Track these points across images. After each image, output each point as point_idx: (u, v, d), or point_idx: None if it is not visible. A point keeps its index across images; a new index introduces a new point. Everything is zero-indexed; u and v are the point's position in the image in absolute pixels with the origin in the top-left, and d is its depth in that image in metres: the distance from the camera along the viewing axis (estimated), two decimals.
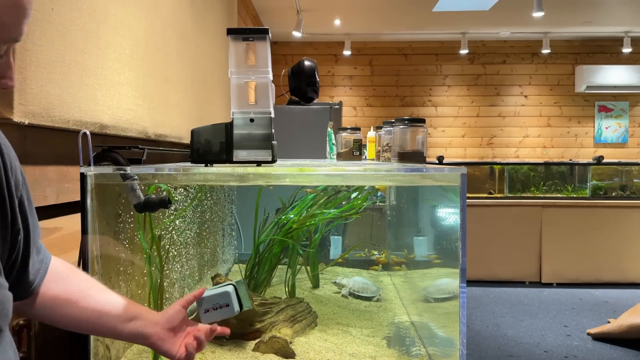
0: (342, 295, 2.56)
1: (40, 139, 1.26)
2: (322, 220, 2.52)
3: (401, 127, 1.97)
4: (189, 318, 1.11)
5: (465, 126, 7.50)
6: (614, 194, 5.08)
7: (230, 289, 1.16)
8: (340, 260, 3.11)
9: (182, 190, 2.09)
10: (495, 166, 5.32)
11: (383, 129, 2.39)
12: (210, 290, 1.16)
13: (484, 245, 4.82)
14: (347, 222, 3.12)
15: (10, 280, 0.85)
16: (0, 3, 0.65)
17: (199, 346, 1.08)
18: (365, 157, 2.80)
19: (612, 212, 4.83)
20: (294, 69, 3.12)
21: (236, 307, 1.16)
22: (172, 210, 1.95)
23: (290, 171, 1.67)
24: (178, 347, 1.05)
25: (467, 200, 1.39)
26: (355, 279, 2.65)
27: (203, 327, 1.09)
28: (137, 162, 1.49)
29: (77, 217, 1.34)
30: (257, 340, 1.81)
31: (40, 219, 1.26)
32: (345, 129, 2.37)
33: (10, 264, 0.85)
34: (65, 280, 1.00)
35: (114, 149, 1.43)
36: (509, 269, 4.88)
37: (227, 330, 1.12)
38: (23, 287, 0.90)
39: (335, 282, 2.70)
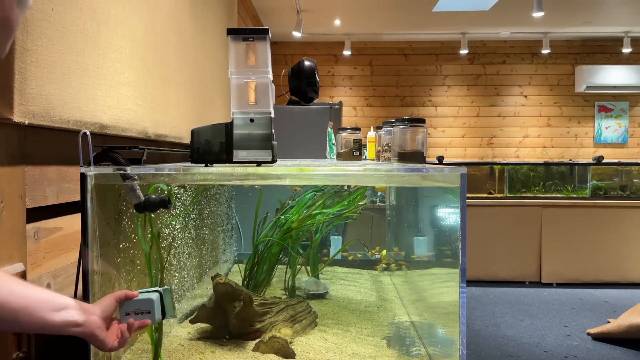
0: (297, 296, 2.57)
1: (40, 139, 1.26)
2: (320, 220, 2.53)
3: (401, 127, 1.97)
4: None
5: (465, 126, 7.50)
6: (613, 194, 5.08)
7: (155, 296, 1.16)
8: (330, 259, 3.11)
9: (182, 190, 2.09)
10: (495, 166, 5.32)
11: (383, 129, 2.39)
12: (140, 295, 1.16)
13: (484, 245, 4.82)
14: (347, 221, 3.12)
15: None
16: None
17: (124, 340, 1.09)
18: (365, 157, 2.80)
19: (612, 212, 4.83)
20: (294, 69, 3.12)
21: (157, 316, 1.16)
22: (172, 209, 1.96)
23: (290, 171, 1.67)
24: (111, 337, 1.06)
25: (467, 200, 1.39)
26: (307, 279, 2.71)
27: (124, 325, 1.10)
28: (137, 162, 1.49)
29: (77, 217, 1.34)
30: (257, 340, 1.81)
31: (40, 219, 1.27)
32: (345, 129, 2.37)
33: None
34: None
35: (114, 149, 1.43)
36: (509, 269, 4.88)
37: (147, 322, 1.13)
38: None
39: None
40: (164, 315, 1.17)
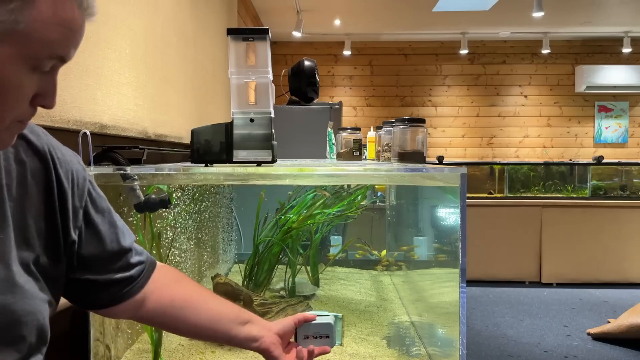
0: (281, 296, 2.56)
1: None
2: (320, 220, 2.53)
3: (401, 127, 1.97)
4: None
5: (465, 126, 7.50)
6: (613, 194, 5.08)
7: (332, 320, 1.14)
8: (332, 259, 3.11)
9: (182, 190, 2.09)
10: (495, 166, 5.32)
11: (383, 129, 2.39)
12: (318, 318, 1.14)
13: (484, 245, 4.82)
14: (347, 221, 3.12)
15: (97, 287, 0.89)
16: (50, 20, 0.65)
17: None
18: (365, 157, 2.80)
19: (612, 212, 4.83)
20: (294, 69, 3.12)
21: (335, 341, 1.14)
22: (172, 208, 1.96)
23: (290, 171, 1.67)
24: (287, 357, 1.05)
25: (467, 200, 1.39)
26: (297, 281, 2.70)
27: (304, 348, 1.08)
28: (137, 162, 1.49)
29: None
30: None
31: None
32: (345, 129, 2.37)
33: (73, 273, 0.86)
34: (180, 283, 1.02)
35: (114, 149, 1.43)
36: (509, 269, 4.88)
37: (327, 349, 1.11)
38: (116, 290, 0.92)
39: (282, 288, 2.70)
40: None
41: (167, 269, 1.03)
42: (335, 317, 1.17)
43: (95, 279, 0.89)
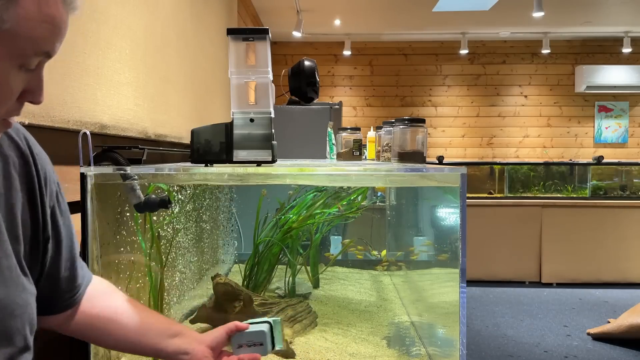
0: (279, 296, 2.56)
1: (40, 139, 1.26)
2: (321, 220, 2.52)
3: (401, 127, 1.97)
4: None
5: (465, 126, 7.50)
6: (613, 194, 5.08)
7: (266, 328, 1.14)
8: (332, 260, 3.10)
9: (182, 190, 2.09)
10: (495, 166, 5.32)
11: (383, 129, 2.38)
12: (251, 326, 1.14)
13: (484, 245, 4.82)
14: (347, 222, 3.12)
15: (44, 292, 0.86)
16: (35, 18, 0.66)
17: None
18: (365, 157, 2.80)
19: (612, 212, 4.83)
20: (294, 69, 3.12)
21: (269, 347, 1.14)
22: (172, 208, 1.95)
23: (290, 171, 1.67)
24: None
25: (467, 200, 1.39)
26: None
27: (236, 357, 1.08)
28: (137, 162, 1.49)
29: (77, 217, 1.33)
30: None
31: None
32: (345, 129, 2.37)
33: (40, 272, 0.85)
34: (108, 296, 1.00)
35: (114, 149, 1.43)
36: (509, 269, 4.88)
37: (257, 356, 1.10)
38: (58, 299, 0.91)
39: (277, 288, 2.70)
40: (273, 347, 1.16)
41: (97, 281, 1.01)
42: (273, 321, 1.16)
43: (44, 285, 0.87)
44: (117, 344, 1.00)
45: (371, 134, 2.73)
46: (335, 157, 2.48)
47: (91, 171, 1.32)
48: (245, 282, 2.32)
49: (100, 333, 0.97)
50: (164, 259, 1.78)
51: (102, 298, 0.99)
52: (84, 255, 1.31)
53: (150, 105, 1.99)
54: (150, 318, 1.02)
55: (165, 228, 1.91)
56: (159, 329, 1.00)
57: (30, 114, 1.15)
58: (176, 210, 2.03)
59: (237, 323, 1.10)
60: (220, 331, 1.07)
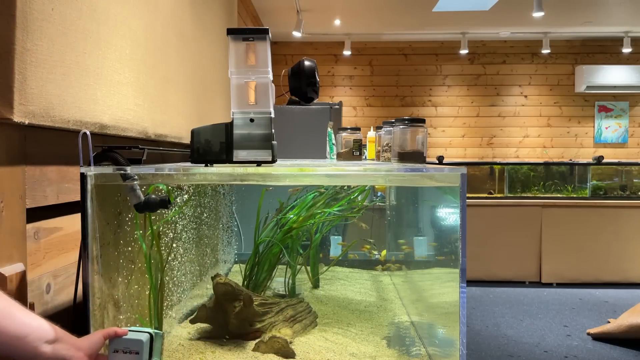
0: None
1: (40, 139, 1.26)
2: (321, 220, 2.52)
3: (401, 127, 1.97)
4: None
5: (465, 126, 7.50)
6: (614, 194, 5.09)
7: (145, 338, 1.15)
8: (334, 260, 3.10)
9: (182, 189, 2.09)
10: (495, 166, 5.32)
11: (383, 129, 2.39)
12: (131, 333, 1.15)
13: (484, 245, 4.82)
14: (347, 222, 3.12)
15: None
16: None
17: None
18: (365, 157, 2.80)
19: (612, 212, 4.83)
20: (294, 69, 3.12)
21: (145, 358, 1.15)
22: (172, 208, 1.96)
23: (290, 171, 1.67)
24: None
25: (467, 200, 1.39)
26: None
27: None
28: (137, 162, 1.49)
29: (77, 217, 1.34)
30: (257, 340, 1.81)
31: (40, 218, 1.27)
32: (345, 129, 2.37)
33: None
34: None
35: (114, 149, 1.43)
36: (509, 269, 4.88)
37: None
38: None
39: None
40: (150, 358, 1.16)
41: None
42: (155, 333, 1.17)
43: None
44: None
45: (371, 134, 2.73)
46: (335, 157, 2.48)
47: (91, 171, 1.32)
48: (246, 282, 2.32)
49: None
50: (165, 258, 1.78)
51: None
52: (84, 255, 1.31)
53: (150, 105, 1.99)
54: (29, 321, 0.98)
55: (165, 229, 1.91)
56: (39, 334, 0.97)
57: (30, 114, 1.15)
58: (175, 210, 2.03)
59: (115, 328, 1.12)
60: (97, 335, 1.09)
